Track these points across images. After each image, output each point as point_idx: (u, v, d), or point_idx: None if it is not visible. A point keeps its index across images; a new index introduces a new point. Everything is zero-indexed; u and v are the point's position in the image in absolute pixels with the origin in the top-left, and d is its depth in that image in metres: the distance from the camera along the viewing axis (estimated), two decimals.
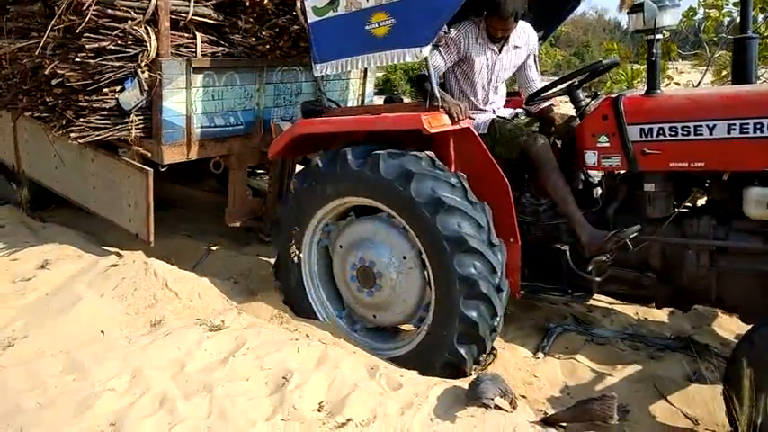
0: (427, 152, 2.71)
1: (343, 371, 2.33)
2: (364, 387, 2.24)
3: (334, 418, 2.11)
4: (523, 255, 2.81)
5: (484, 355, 2.67)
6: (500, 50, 3.13)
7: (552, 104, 3.33)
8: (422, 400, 2.14)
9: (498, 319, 2.61)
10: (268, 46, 3.61)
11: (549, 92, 3.14)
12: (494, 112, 3.22)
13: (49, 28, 3.22)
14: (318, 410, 2.17)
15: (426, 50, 2.65)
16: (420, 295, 2.74)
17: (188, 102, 3.39)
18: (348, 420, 2.09)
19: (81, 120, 3.32)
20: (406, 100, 4.03)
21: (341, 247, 2.94)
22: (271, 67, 3.70)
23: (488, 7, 2.95)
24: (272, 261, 3.28)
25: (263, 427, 2.10)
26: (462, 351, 2.55)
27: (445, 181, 2.59)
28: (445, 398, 2.16)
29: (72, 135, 3.33)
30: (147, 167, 3.36)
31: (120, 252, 3.48)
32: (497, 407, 2.06)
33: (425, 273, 2.67)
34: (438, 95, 2.72)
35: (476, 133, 2.79)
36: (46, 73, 3.30)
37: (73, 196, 3.94)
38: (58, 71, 3.25)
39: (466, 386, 2.18)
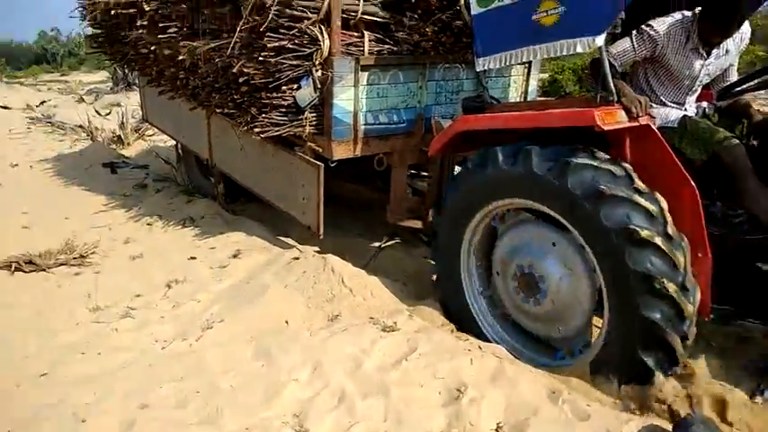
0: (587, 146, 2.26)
1: (521, 391, 2.06)
2: (547, 413, 1.95)
3: None
4: (714, 272, 2.29)
5: (676, 368, 2.15)
6: (708, 55, 2.52)
7: (746, 99, 2.68)
8: None
9: (688, 324, 2.10)
10: (431, 42, 3.30)
11: (745, 85, 2.52)
12: (685, 109, 2.66)
13: (238, 29, 3.18)
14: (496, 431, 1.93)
15: (600, 40, 2.18)
16: (591, 302, 2.33)
17: (355, 99, 3.22)
18: None
19: (263, 116, 3.28)
20: None
21: (499, 255, 2.60)
22: (433, 64, 3.41)
23: (708, 10, 2.37)
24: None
25: None
26: (649, 360, 2.08)
27: (606, 170, 2.15)
28: None
29: (255, 130, 3.32)
30: (318, 162, 3.28)
31: (301, 247, 3.45)
32: None
33: (595, 276, 2.24)
34: (613, 88, 2.24)
35: (658, 132, 2.28)
36: (234, 71, 3.29)
37: (256, 189, 3.97)
38: (244, 70, 3.22)
39: (669, 426, 1.80)
